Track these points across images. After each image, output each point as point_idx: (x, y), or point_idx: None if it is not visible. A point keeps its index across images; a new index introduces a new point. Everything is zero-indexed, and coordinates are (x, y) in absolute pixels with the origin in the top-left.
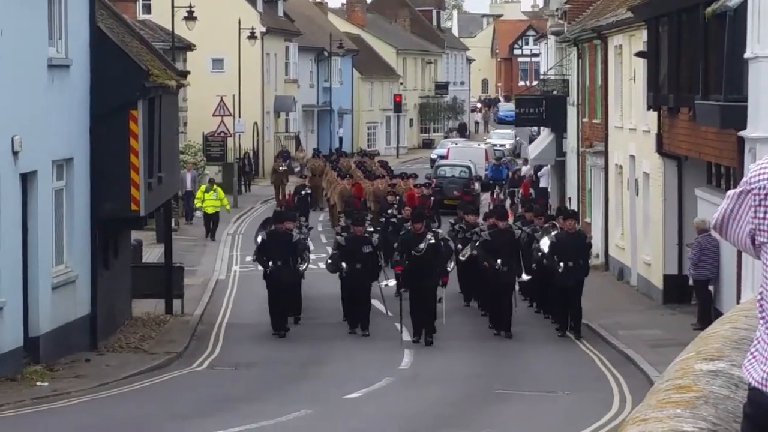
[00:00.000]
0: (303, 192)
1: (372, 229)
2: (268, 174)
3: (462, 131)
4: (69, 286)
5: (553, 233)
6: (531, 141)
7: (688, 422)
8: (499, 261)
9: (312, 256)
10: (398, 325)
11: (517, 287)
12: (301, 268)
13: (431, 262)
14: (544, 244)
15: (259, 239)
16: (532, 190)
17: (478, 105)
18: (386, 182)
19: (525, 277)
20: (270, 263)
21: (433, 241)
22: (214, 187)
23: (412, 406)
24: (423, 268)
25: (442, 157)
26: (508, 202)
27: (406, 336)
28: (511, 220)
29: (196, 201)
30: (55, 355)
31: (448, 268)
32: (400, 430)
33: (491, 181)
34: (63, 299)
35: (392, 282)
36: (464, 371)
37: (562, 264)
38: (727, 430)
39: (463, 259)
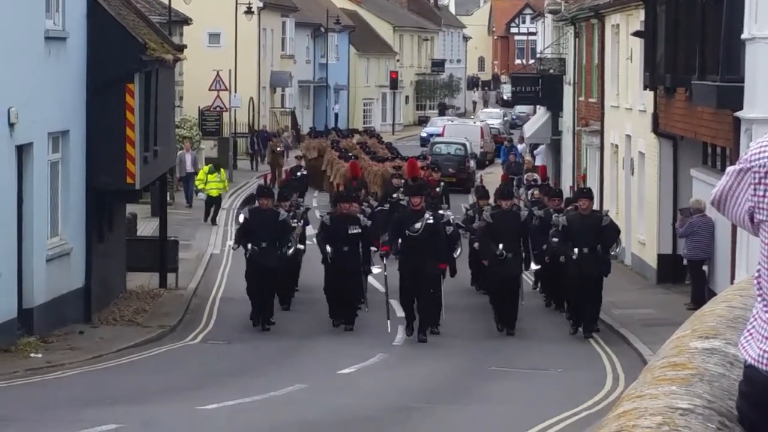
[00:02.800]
0: (299, 173)
1: (369, 210)
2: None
3: (442, 111)
4: (63, 259)
5: (564, 215)
6: (513, 125)
7: (683, 399)
8: (500, 246)
9: (309, 243)
10: (391, 303)
11: (530, 280)
12: (287, 252)
13: (430, 244)
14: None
15: (242, 218)
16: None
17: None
18: (391, 165)
19: (534, 267)
20: (250, 245)
21: (431, 220)
22: (220, 168)
23: (405, 382)
24: (420, 251)
25: (432, 135)
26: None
27: (400, 312)
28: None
29: (197, 182)
30: (49, 327)
31: (454, 255)
32: (394, 404)
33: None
34: (57, 271)
35: (377, 269)
36: (458, 348)
37: (576, 250)
38: (722, 407)
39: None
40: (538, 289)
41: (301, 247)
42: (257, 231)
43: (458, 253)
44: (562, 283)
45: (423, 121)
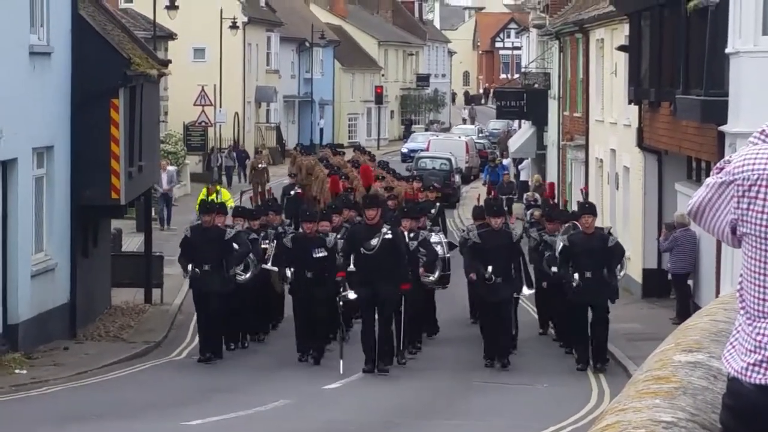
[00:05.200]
0: (292, 192)
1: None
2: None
3: (408, 129)
4: (48, 274)
5: (564, 235)
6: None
7: (667, 412)
8: (489, 269)
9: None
10: (340, 362)
11: (532, 310)
12: (239, 277)
13: (388, 263)
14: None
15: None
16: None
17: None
18: (381, 185)
19: (527, 291)
20: (190, 266)
21: (390, 235)
22: (218, 188)
23: (389, 397)
24: (376, 272)
25: (413, 151)
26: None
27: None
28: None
29: (197, 207)
30: (33, 343)
31: (431, 278)
32: (379, 419)
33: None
34: (42, 287)
35: (352, 295)
36: (443, 363)
37: (576, 276)
38: (706, 420)
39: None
40: (546, 332)
41: (274, 268)
42: (198, 251)
43: (436, 276)
44: (566, 316)
45: (408, 126)
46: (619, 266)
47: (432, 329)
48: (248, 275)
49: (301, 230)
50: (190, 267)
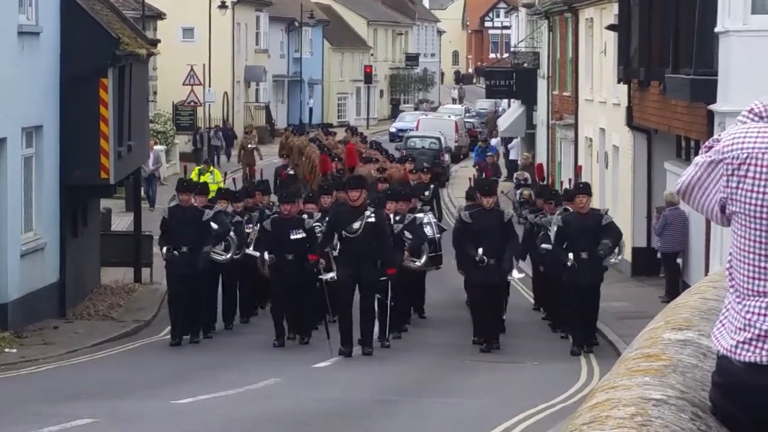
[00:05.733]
0: (285, 172)
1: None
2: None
3: (396, 108)
4: (38, 254)
5: (558, 215)
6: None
7: (657, 390)
8: (479, 251)
9: None
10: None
11: (530, 298)
12: (218, 257)
13: (371, 246)
14: (552, 231)
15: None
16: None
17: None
18: (374, 167)
19: (517, 274)
20: (165, 249)
21: (373, 218)
22: (211, 168)
23: (381, 375)
24: (360, 256)
25: (401, 131)
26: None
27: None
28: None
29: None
30: (23, 322)
31: (418, 262)
32: (370, 398)
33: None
34: (31, 266)
35: (329, 275)
36: (434, 342)
37: (571, 255)
38: (695, 398)
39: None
40: (540, 310)
41: (256, 253)
42: (176, 233)
43: (423, 261)
44: (561, 299)
45: (396, 104)
46: (617, 249)
47: (420, 311)
48: (228, 256)
49: (279, 210)
50: (164, 249)
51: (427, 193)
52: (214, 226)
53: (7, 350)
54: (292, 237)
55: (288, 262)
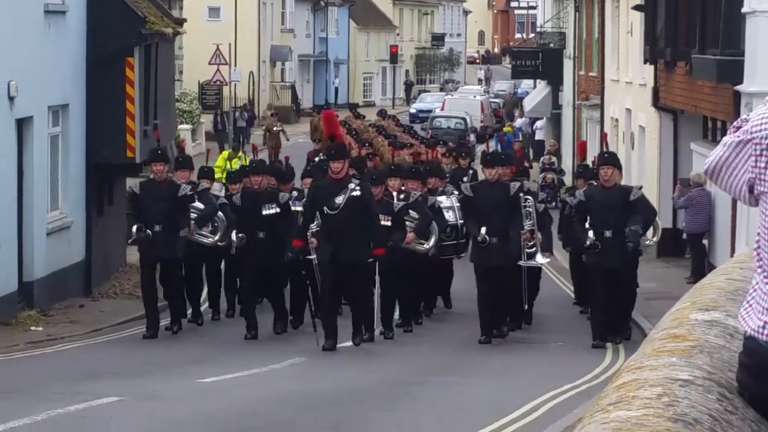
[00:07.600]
0: (317, 159)
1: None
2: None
3: (408, 91)
4: (64, 232)
5: (582, 190)
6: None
7: (684, 370)
8: (483, 230)
9: None
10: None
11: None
12: (204, 240)
13: (356, 224)
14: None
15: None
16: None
17: (476, 57)
18: (409, 152)
19: (542, 259)
20: (135, 228)
21: (358, 191)
22: (239, 153)
23: (405, 356)
24: (343, 234)
25: (421, 111)
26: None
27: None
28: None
29: (216, 170)
30: (49, 301)
31: (426, 245)
32: (393, 378)
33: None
34: (57, 245)
35: (310, 255)
36: (457, 323)
37: (591, 234)
38: (722, 378)
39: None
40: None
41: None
42: (147, 210)
43: (432, 243)
44: (585, 281)
45: (409, 88)
46: (651, 229)
47: (446, 300)
48: (216, 238)
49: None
50: (135, 228)
51: (465, 178)
52: (200, 206)
53: (33, 328)
54: (265, 212)
55: (259, 240)
